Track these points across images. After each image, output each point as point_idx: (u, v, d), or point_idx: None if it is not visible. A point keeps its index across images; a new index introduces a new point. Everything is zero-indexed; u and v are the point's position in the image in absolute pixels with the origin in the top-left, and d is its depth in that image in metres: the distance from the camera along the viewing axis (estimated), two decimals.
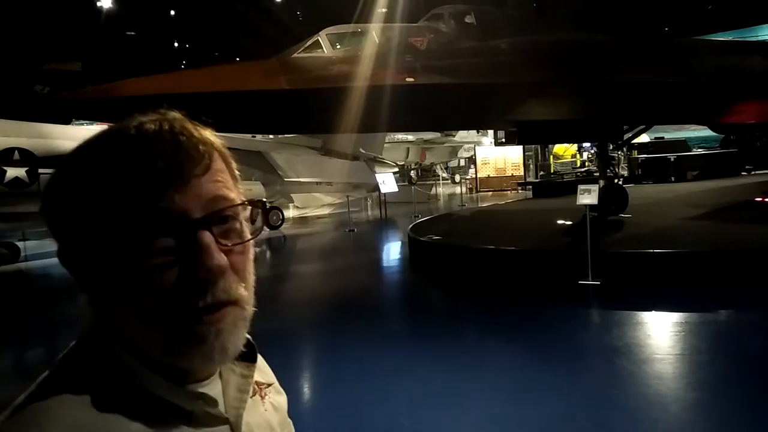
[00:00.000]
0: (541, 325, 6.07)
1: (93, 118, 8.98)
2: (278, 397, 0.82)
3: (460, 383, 4.59)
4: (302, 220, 18.57)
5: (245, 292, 0.66)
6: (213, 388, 0.69)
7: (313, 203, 18.27)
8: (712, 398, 4.10)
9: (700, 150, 21.16)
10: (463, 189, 24.90)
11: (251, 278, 0.68)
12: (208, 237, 0.62)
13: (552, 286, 7.35)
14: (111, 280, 0.61)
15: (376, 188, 17.47)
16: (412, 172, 31.13)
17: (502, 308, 6.82)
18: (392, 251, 12.70)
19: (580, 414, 3.93)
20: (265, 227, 15.58)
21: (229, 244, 0.65)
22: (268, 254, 13.04)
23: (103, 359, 0.63)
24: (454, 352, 5.34)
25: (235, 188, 0.69)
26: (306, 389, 5.00)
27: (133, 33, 22.67)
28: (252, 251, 0.69)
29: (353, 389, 4.60)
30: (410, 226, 11.72)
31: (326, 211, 19.59)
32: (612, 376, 4.54)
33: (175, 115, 0.66)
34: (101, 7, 19.83)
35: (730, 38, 20.56)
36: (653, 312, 6.27)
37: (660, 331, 5.67)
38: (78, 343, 0.66)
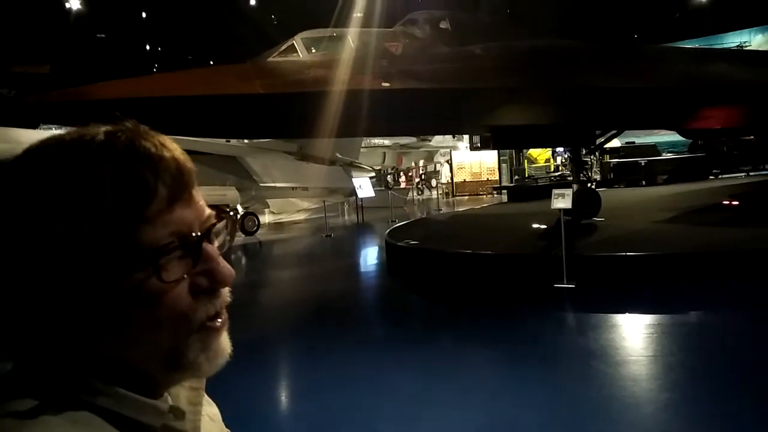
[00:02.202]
0: (517, 328, 6.11)
1: (62, 123, 8.76)
2: (211, 409, 0.81)
3: (437, 388, 4.58)
4: (278, 226, 18.43)
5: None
6: (165, 402, 0.66)
7: (289, 208, 18.16)
8: (685, 398, 4.17)
9: (669, 154, 21.67)
10: (439, 193, 25.04)
11: None
12: (213, 249, 0.65)
13: (528, 290, 7.41)
14: (105, 306, 0.57)
15: (353, 193, 17.45)
16: (388, 176, 31.19)
17: (478, 312, 6.85)
18: (369, 256, 12.68)
19: (557, 417, 3.95)
20: (240, 233, 15.47)
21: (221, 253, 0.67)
22: (243, 260, 12.89)
23: (60, 383, 0.58)
24: (431, 357, 5.33)
25: None
26: (281, 396, 4.94)
27: (103, 35, 22.24)
28: None
29: (329, 396, 4.56)
30: (387, 231, 11.72)
31: (302, 216, 19.48)
32: (587, 379, 4.58)
33: (139, 125, 0.64)
34: (70, 8, 19.41)
35: (696, 45, 21.17)
36: (627, 314, 6.37)
37: (634, 333, 5.75)
38: (16, 371, 0.60)
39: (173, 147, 0.64)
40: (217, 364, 0.66)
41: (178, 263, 0.61)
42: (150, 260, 0.58)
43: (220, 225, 0.68)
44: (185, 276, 0.61)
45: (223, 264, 0.65)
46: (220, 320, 0.65)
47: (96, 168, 0.57)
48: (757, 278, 6.84)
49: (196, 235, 0.63)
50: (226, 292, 0.67)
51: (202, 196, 0.67)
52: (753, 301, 6.41)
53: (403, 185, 28.62)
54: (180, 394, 0.69)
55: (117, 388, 0.60)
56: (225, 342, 0.67)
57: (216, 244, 0.67)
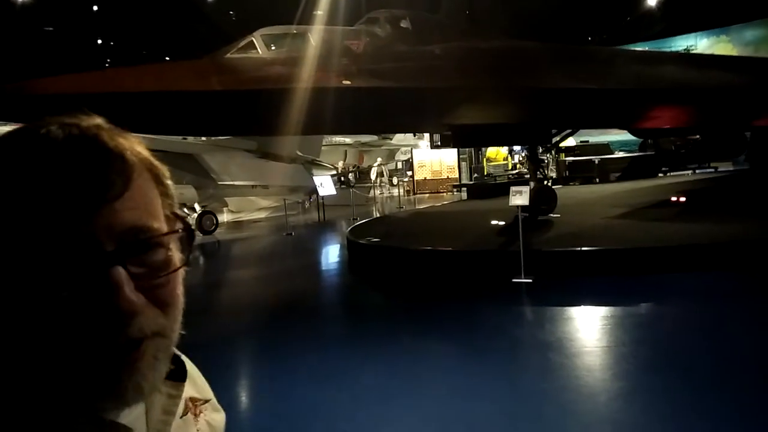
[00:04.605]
0: (477, 323, 6.21)
1: (7, 119, 8.40)
2: (215, 415, 0.77)
3: (399, 384, 4.62)
4: (237, 225, 18.14)
5: (167, 321, 0.60)
6: (132, 412, 0.62)
7: (248, 207, 17.87)
8: (636, 387, 4.33)
9: (621, 153, 22.41)
10: (401, 191, 25.15)
11: (179, 304, 0.62)
12: (119, 275, 0.54)
13: (487, 285, 7.55)
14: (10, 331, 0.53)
15: (314, 191, 17.35)
16: (350, 174, 31.12)
17: (439, 308, 6.93)
18: (331, 254, 12.64)
19: (515, 408, 4.05)
20: (198, 232, 15.15)
21: (149, 279, 0.57)
22: (201, 261, 12.66)
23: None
24: (393, 354, 5.37)
25: (166, 207, 0.62)
26: (242, 397, 4.88)
27: (51, 28, 21.36)
28: (180, 276, 0.63)
29: (290, 395, 4.54)
30: (348, 228, 11.71)
31: (263, 214, 19.23)
32: (545, 370, 4.71)
33: (92, 122, 0.58)
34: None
35: (646, 48, 21.96)
36: (582, 307, 6.57)
37: (588, 325, 5.94)
38: None
39: (106, 146, 0.56)
40: (126, 399, 0.56)
41: (63, 286, 0.53)
42: (23, 278, 0.52)
43: (162, 237, 0.59)
44: (70, 302, 0.53)
45: (125, 298, 0.54)
46: (129, 355, 0.56)
47: None
48: (704, 271, 7.17)
49: (103, 253, 0.54)
50: (147, 323, 0.56)
51: (155, 209, 0.60)
52: (700, 292, 6.71)
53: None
54: (155, 401, 0.66)
55: (56, 406, 0.56)
56: (142, 374, 0.57)
57: (166, 256, 0.59)
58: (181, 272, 0.63)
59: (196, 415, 0.72)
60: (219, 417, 0.78)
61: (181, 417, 0.69)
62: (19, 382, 0.55)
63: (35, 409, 0.55)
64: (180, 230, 0.62)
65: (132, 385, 0.56)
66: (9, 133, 0.58)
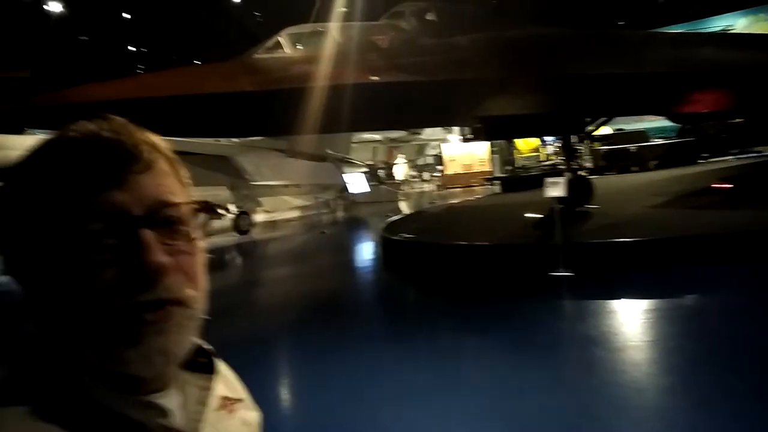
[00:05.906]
0: (517, 319, 6.09)
1: (48, 127, 8.64)
2: (250, 413, 0.79)
3: (439, 381, 4.56)
4: (272, 224, 18.34)
5: (193, 292, 0.64)
6: (170, 400, 0.66)
7: (282, 206, 18.06)
8: (685, 382, 4.18)
9: (658, 140, 21.74)
10: (432, 186, 25.03)
11: (202, 281, 0.67)
12: (149, 234, 0.61)
13: (525, 280, 7.39)
14: (52, 285, 0.60)
15: (346, 189, 17.41)
16: (381, 171, 31.09)
17: (476, 304, 6.84)
18: (365, 251, 12.65)
19: (563, 405, 3.94)
20: (235, 233, 15.37)
21: (174, 243, 0.63)
22: (239, 260, 12.84)
23: (48, 373, 0.61)
24: (432, 350, 5.31)
25: (184, 194, 0.68)
26: (284, 393, 4.90)
27: (85, 38, 21.97)
28: (202, 255, 0.68)
29: (331, 391, 4.52)
30: (382, 225, 11.68)
31: (296, 213, 19.39)
32: (590, 365, 4.57)
33: (119, 119, 0.66)
34: (50, 11, 19.14)
35: (682, 30, 21.23)
36: (625, 300, 6.38)
37: (632, 319, 5.76)
38: (16, 361, 0.63)
39: (127, 131, 0.64)
40: (153, 360, 0.60)
41: (98, 244, 0.59)
42: (64, 238, 0.58)
43: (183, 211, 0.65)
44: (103, 259, 0.59)
45: (156, 254, 0.60)
46: (155, 312, 0.60)
47: (36, 156, 0.63)
48: (752, 260, 6.85)
49: (131, 217, 0.60)
50: (174, 284, 0.62)
51: (176, 190, 0.66)
52: (748, 283, 6.42)
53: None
54: (189, 393, 0.70)
55: (101, 385, 0.60)
56: (168, 337, 0.61)
57: (187, 231, 0.65)
58: (203, 255, 0.68)
59: (230, 413, 0.75)
60: (254, 415, 0.80)
61: (215, 411, 0.72)
62: (60, 336, 0.61)
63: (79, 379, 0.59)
64: (199, 207, 0.69)
65: (158, 346, 0.60)
66: (54, 133, 0.66)
